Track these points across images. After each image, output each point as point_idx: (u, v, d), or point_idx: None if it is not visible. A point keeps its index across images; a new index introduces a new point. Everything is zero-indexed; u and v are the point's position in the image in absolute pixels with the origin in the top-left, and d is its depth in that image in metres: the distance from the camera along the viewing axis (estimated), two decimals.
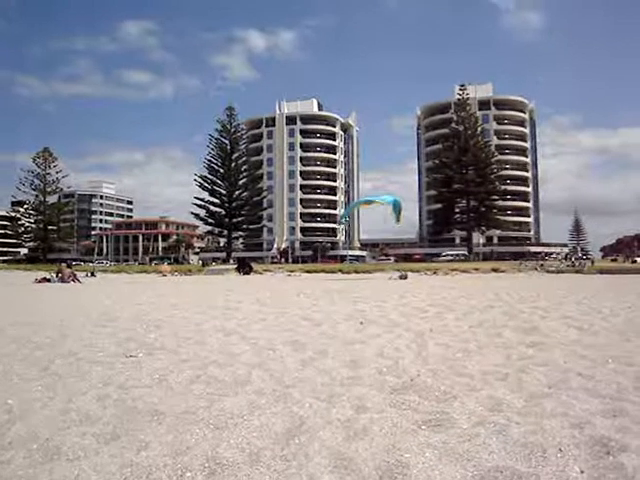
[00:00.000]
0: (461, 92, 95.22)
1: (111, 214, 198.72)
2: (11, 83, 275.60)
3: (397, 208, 34.33)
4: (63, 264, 39.44)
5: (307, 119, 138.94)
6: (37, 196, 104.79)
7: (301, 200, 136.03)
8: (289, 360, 6.95)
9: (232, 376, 6.12)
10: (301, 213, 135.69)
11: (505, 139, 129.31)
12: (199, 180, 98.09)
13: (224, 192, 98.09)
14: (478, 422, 4.52)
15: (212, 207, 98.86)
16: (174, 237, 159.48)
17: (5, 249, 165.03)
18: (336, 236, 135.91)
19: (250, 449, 4.08)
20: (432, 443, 4.10)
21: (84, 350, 7.77)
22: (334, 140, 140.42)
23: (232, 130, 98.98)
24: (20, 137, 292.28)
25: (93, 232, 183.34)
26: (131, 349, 7.74)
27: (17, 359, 7.39)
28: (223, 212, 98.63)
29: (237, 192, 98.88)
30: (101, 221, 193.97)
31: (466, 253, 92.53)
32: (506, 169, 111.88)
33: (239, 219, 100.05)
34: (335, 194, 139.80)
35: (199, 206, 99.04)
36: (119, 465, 3.90)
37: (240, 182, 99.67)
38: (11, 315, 11.64)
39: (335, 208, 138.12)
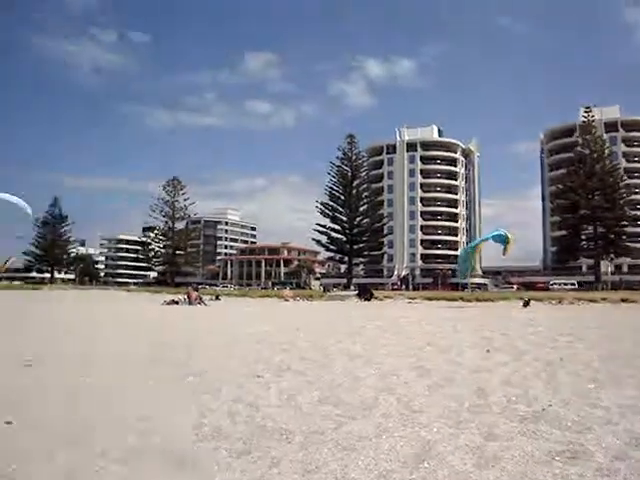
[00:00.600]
0: (586, 114, 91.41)
1: (235, 240, 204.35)
2: (142, 116, 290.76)
3: (501, 241, 34.38)
4: (190, 287, 40.93)
5: (427, 145, 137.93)
6: (166, 222, 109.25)
7: (422, 227, 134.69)
8: (414, 385, 6.88)
9: (359, 399, 6.13)
10: (421, 240, 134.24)
11: (635, 162, 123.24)
12: (320, 207, 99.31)
13: (345, 219, 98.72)
14: (616, 456, 4.28)
15: (333, 233, 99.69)
16: (296, 263, 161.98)
17: (136, 272, 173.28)
18: (457, 263, 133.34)
19: (379, 471, 4.06)
20: (568, 475, 3.93)
21: (214, 369, 8.02)
22: (455, 166, 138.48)
23: (353, 157, 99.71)
24: (150, 167, 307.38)
25: (218, 257, 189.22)
26: (259, 370, 7.92)
27: (152, 376, 7.73)
28: (344, 238, 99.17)
29: (358, 219, 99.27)
30: (226, 247, 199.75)
31: (574, 282, 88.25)
32: (637, 193, 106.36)
33: (360, 245, 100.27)
34: (456, 220, 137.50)
35: (320, 232, 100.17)
36: (251, 479, 4.00)
37: (361, 209, 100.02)
38: (146, 335, 12.18)
39: (456, 235, 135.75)
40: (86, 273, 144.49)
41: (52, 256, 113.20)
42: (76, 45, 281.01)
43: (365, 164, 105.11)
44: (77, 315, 20.38)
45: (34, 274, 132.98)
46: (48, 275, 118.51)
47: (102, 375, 7.79)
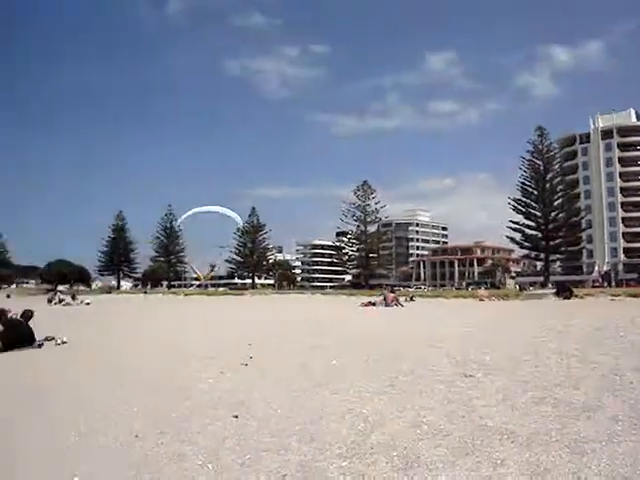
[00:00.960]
0: None
1: (427, 241, 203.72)
2: (329, 124, 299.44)
3: None
4: (386, 289, 41.32)
5: (625, 131, 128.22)
6: (358, 226, 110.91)
7: (623, 219, 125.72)
8: None
9: (581, 400, 5.85)
10: (624, 233, 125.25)
11: None
12: (513, 203, 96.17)
13: (539, 214, 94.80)
14: None
15: (527, 230, 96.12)
16: (489, 262, 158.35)
17: (331, 276, 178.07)
18: None
19: (616, 478, 3.84)
20: None
21: (421, 368, 8.03)
22: None
23: (544, 150, 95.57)
24: (339, 172, 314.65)
25: (410, 259, 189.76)
26: (467, 369, 7.81)
27: (362, 373, 7.90)
28: (539, 235, 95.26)
29: (553, 213, 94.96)
30: (417, 248, 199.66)
31: None
32: None
33: (556, 241, 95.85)
34: None
35: (514, 229, 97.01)
36: (477, 478, 3.95)
37: (555, 203, 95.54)
38: (349, 334, 12.45)
39: None
40: (284, 278, 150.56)
41: (252, 263, 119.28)
42: (263, 62, 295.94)
43: (557, 156, 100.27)
44: (297, 313, 21.29)
45: (236, 280, 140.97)
46: (249, 281, 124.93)
47: (327, 375, 8.06)
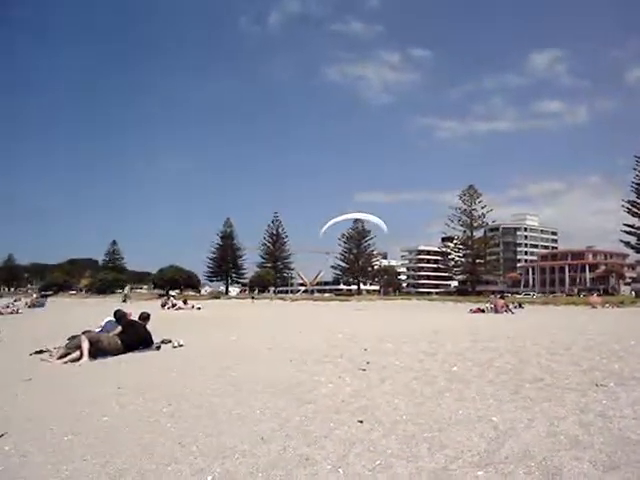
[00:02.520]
0: None
1: (536, 246, 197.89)
2: (432, 128, 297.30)
3: None
4: (492, 296, 40.36)
5: None
6: (464, 231, 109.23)
7: None
8: None
9: None
10: None
11: None
12: (627, 205, 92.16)
13: None
14: None
15: None
16: (602, 267, 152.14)
17: (437, 282, 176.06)
18: None
19: None
20: None
21: (549, 376, 7.72)
22: None
23: None
24: (444, 177, 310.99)
25: (518, 264, 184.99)
26: (598, 378, 7.45)
27: (485, 380, 7.69)
28: None
29: None
30: (526, 253, 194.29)
31: None
32: None
33: None
34: None
35: (629, 233, 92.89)
36: None
37: None
38: (464, 341, 12.17)
39: None
40: (390, 284, 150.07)
41: (357, 268, 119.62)
42: (365, 68, 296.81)
43: None
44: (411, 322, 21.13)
45: (342, 286, 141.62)
46: (355, 287, 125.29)
47: (449, 382, 7.91)
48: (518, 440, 4.92)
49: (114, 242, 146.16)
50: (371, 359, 9.76)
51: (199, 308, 43.54)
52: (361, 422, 5.76)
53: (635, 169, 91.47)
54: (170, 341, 13.82)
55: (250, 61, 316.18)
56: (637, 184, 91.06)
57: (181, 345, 13.43)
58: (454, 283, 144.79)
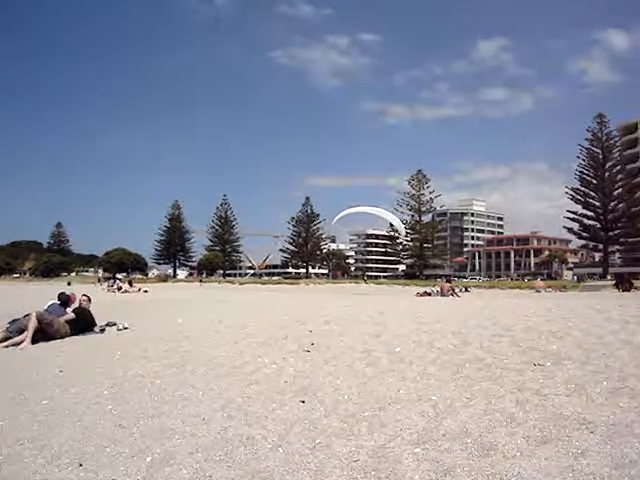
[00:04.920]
0: None
1: (482, 231, 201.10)
2: (382, 113, 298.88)
3: None
4: (439, 280, 40.97)
5: None
6: (413, 216, 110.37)
7: None
8: None
9: None
10: None
11: None
12: (571, 192, 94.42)
13: (598, 204, 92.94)
14: None
15: (586, 220, 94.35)
16: (546, 252, 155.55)
17: (385, 266, 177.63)
18: None
19: None
20: None
21: (489, 357, 7.87)
22: None
23: (604, 138, 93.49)
24: (392, 162, 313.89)
25: (465, 249, 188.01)
26: (536, 358, 7.62)
27: (426, 361, 7.80)
28: (598, 225, 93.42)
29: (612, 203, 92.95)
30: (472, 238, 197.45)
31: None
32: None
33: (616, 232, 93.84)
34: None
35: (572, 219, 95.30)
36: (559, 468, 3.82)
37: (615, 192, 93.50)
38: (409, 323, 12.32)
39: None
40: (338, 268, 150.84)
41: (306, 252, 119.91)
42: (314, 53, 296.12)
43: (617, 144, 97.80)
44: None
45: (290, 270, 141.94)
46: (303, 270, 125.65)
47: (391, 362, 7.99)
48: (456, 418, 5.02)
49: (59, 224, 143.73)
50: (316, 340, 9.81)
51: (146, 291, 43.15)
52: (303, 402, 5.80)
53: (579, 157, 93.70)
54: (115, 324, 13.64)
55: (197, 41, 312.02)
56: (581, 172, 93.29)
57: (126, 328, 13.29)
58: (402, 267, 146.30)
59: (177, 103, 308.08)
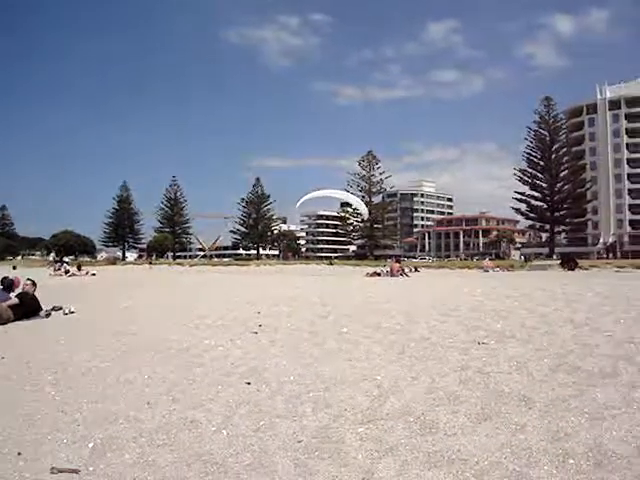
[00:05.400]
0: None
1: (432, 211, 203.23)
2: (333, 94, 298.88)
3: None
4: (389, 260, 41.26)
5: (633, 101, 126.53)
6: (363, 197, 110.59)
7: (629, 190, 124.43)
8: None
9: (596, 367, 5.77)
10: (630, 205, 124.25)
11: None
12: (518, 174, 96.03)
13: (545, 185, 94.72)
14: None
15: (533, 201, 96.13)
16: (494, 233, 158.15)
17: (336, 246, 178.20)
18: None
19: (637, 444, 3.79)
20: None
21: (435, 336, 7.98)
22: None
23: (551, 121, 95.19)
24: (343, 143, 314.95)
25: (415, 229, 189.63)
26: (481, 336, 7.75)
27: (373, 341, 7.86)
28: (544, 206, 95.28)
29: (559, 185, 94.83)
30: (422, 219, 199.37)
31: None
32: None
33: (562, 213, 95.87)
34: None
35: (519, 200, 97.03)
36: (497, 444, 3.91)
37: (561, 174, 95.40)
38: (357, 304, 12.41)
39: None
40: (289, 249, 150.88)
41: (257, 234, 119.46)
42: (263, 32, 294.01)
43: (564, 127, 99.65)
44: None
45: (241, 251, 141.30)
46: (254, 252, 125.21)
47: (338, 343, 8.02)
48: (400, 397, 5.08)
49: (3, 207, 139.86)
50: (264, 322, 9.81)
51: (94, 274, 42.36)
52: (249, 384, 5.79)
53: (527, 139, 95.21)
54: (61, 308, 13.36)
55: (146, 20, 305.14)
56: (528, 154, 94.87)
57: (72, 312, 13.04)
58: (353, 248, 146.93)
59: (129, 82, 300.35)
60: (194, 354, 7.55)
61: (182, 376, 6.28)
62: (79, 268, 45.91)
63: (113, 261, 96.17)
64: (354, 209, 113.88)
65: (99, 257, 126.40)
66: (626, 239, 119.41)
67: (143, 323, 10.87)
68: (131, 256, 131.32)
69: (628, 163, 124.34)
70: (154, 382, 6.13)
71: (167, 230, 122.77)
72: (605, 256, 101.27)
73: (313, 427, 4.45)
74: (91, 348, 8.40)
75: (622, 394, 4.84)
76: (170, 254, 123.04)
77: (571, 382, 5.28)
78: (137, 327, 10.34)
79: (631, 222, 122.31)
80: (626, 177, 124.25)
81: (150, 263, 79.27)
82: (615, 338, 7.38)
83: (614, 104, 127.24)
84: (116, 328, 10.27)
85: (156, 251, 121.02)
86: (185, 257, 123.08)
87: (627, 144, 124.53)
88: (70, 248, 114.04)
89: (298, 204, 43.86)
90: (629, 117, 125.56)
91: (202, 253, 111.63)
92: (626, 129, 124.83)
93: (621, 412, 4.37)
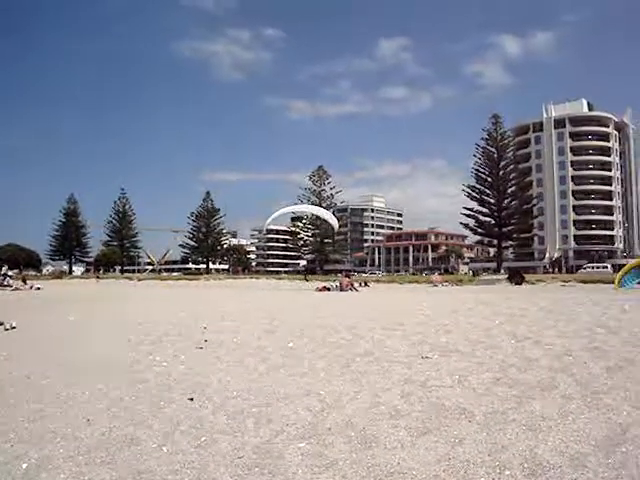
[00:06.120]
0: None
1: (382, 226, 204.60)
2: (284, 109, 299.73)
3: None
4: (339, 274, 41.33)
5: (577, 121, 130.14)
6: None
7: (574, 207, 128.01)
8: (592, 366, 6.51)
9: (535, 379, 5.89)
10: (574, 220, 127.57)
11: None
12: (467, 190, 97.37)
13: (493, 201, 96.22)
14: None
15: (481, 217, 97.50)
16: (443, 248, 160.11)
17: (286, 261, 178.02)
18: (614, 244, 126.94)
19: (570, 453, 3.90)
20: None
21: (379, 350, 8.03)
22: (607, 141, 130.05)
23: (498, 138, 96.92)
24: (293, 158, 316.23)
25: (365, 244, 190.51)
26: (425, 351, 7.83)
27: (319, 355, 7.87)
28: (492, 221, 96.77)
29: (506, 201, 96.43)
30: (372, 233, 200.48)
31: None
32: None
33: (509, 228, 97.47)
34: (611, 199, 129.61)
35: (468, 216, 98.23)
36: (436, 457, 3.95)
37: (509, 190, 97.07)
38: (305, 318, 12.42)
39: (612, 214, 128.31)
40: (239, 263, 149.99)
41: (207, 247, 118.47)
42: (215, 46, 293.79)
43: (511, 144, 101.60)
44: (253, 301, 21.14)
45: (190, 265, 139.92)
46: (203, 266, 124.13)
47: (283, 358, 8.01)
48: (342, 412, 5.10)
49: None
50: (209, 337, 9.74)
51: (38, 288, 41.45)
52: (191, 400, 5.73)
53: (475, 156, 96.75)
54: (2, 323, 13.05)
55: (94, 30, 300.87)
56: (476, 170, 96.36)
57: (14, 327, 12.73)
58: (303, 262, 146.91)
59: (82, 92, 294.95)
60: (137, 370, 7.45)
61: (124, 392, 6.19)
62: (24, 281, 44.87)
63: (59, 275, 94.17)
64: (304, 223, 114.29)
65: (45, 271, 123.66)
66: (571, 254, 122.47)
67: (86, 338, 10.68)
68: (78, 270, 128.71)
69: (573, 180, 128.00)
70: (95, 398, 6.02)
71: (115, 244, 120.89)
72: (551, 270, 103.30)
73: (254, 443, 4.43)
74: (31, 364, 8.21)
75: (559, 405, 4.96)
76: (118, 268, 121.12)
77: (511, 395, 5.38)
78: (80, 342, 10.16)
79: (576, 237, 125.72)
80: (571, 194, 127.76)
81: (97, 277, 77.95)
82: (555, 351, 7.55)
83: (559, 123, 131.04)
84: (58, 343, 10.08)
85: (104, 265, 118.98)
86: (134, 271, 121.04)
87: (572, 162, 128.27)
88: (14, 261, 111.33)
89: (268, 221, 43.70)
90: (573, 136, 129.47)
91: (151, 267, 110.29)
92: (570, 147, 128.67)
93: (557, 423, 4.48)
